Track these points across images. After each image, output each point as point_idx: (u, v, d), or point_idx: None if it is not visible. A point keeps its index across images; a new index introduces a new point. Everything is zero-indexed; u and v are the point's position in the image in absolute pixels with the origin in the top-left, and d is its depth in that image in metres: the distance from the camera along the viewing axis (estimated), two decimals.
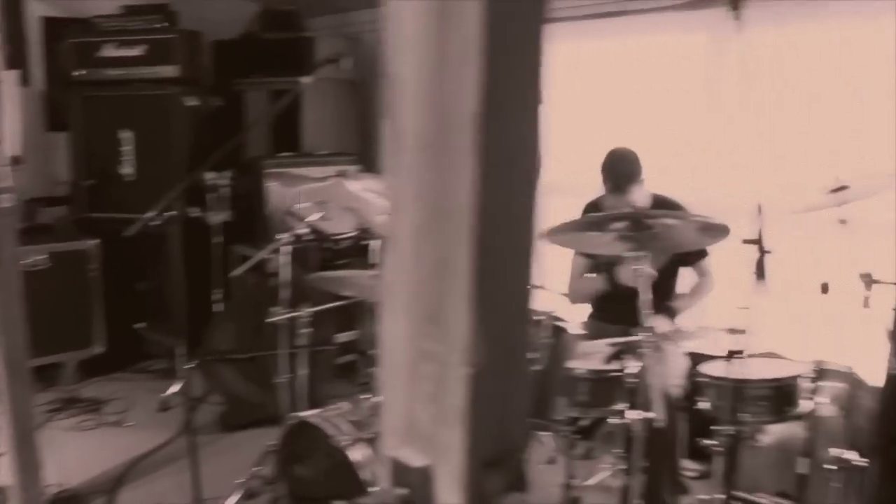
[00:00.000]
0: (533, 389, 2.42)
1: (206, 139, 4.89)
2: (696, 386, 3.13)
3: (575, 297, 3.65)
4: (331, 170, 4.83)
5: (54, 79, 5.29)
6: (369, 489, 2.43)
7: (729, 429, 2.87)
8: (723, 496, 3.69)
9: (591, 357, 2.94)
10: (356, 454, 2.61)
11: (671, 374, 3.21)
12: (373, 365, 3.14)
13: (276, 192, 4.83)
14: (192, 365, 4.31)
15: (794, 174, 3.10)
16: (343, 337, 4.70)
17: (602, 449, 3.51)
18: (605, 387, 2.72)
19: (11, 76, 4.76)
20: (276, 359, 3.58)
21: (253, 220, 4.98)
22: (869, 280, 2.47)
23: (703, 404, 2.97)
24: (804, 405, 2.88)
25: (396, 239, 0.87)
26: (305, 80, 3.31)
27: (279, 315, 3.50)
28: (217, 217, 4.75)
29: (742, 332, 2.72)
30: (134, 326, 5.19)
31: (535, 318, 2.37)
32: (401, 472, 0.92)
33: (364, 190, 3.56)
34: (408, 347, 0.89)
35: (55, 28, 5.24)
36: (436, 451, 0.87)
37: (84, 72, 5.04)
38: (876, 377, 3.12)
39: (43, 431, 3.56)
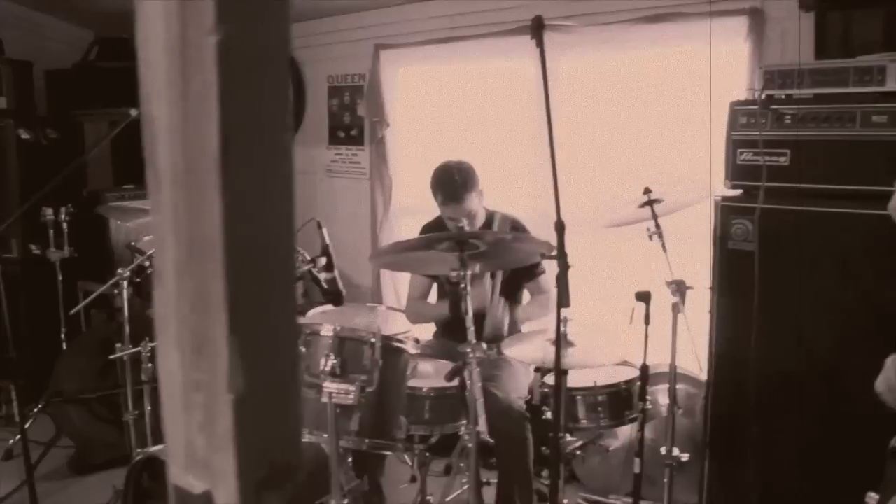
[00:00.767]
0: (371, 410, 2.44)
1: (42, 173, 4.70)
2: (543, 397, 3.26)
3: (414, 318, 3.70)
4: None
5: None
6: None
7: (568, 436, 2.98)
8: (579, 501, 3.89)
9: (432, 375, 3.03)
10: None
11: (517, 388, 3.32)
12: None
13: (118, 225, 4.69)
14: (38, 408, 4.13)
15: (608, 190, 3.28)
16: None
17: (459, 464, 3.59)
18: (448, 403, 2.79)
19: None
20: (124, 396, 3.49)
21: (96, 255, 4.81)
22: (680, 287, 2.63)
23: (547, 414, 3.08)
24: (640, 408, 3.03)
25: (160, 274, 0.90)
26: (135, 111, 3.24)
27: (123, 351, 3.42)
28: (57, 254, 4.57)
29: (570, 343, 2.85)
30: None
31: (367, 339, 2.40)
32: (183, 499, 0.94)
33: None
34: (180, 378, 0.92)
35: None
36: (212, 476, 0.89)
37: None
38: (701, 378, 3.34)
39: None
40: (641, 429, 2.80)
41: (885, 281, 2.65)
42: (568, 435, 2.92)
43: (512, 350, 2.98)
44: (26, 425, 3.36)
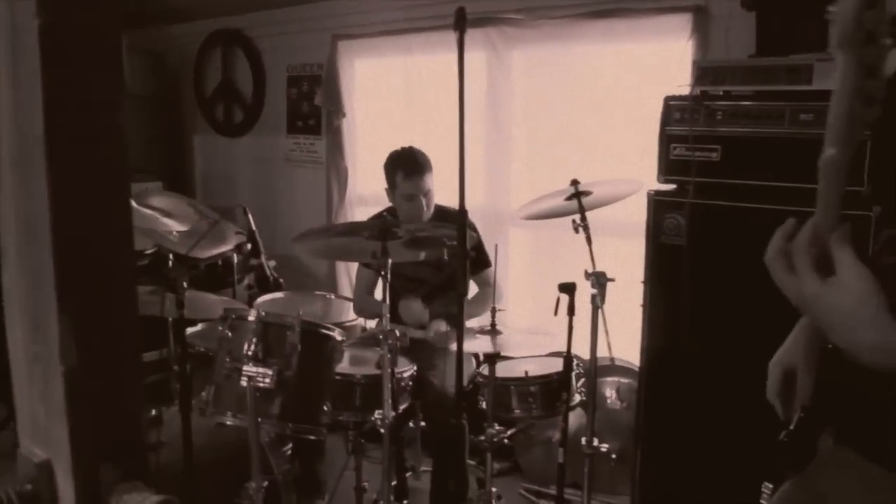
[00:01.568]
0: (294, 395, 2.48)
1: None
2: (477, 386, 3.30)
3: (360, 311, 3.74)
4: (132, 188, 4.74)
5: None
6: None
7: (499, 427, 3.03)
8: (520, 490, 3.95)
9: (370, 363, 3.06)
10: None
11: (462, 383, 3.35)
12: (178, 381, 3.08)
13: None
14: None
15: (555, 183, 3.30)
16: (149, 356, 4.60)
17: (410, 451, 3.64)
18: (380, 390, 2.83)
19: None
20: None
21: None
22: (600, 279, 2.67)
23: (482, 403, 3.12)
24: (564, 398, 3.07)
25: (5, 251, 0.93)
26: None
27: None
28: None
29: (499, 332, 2.90)
30: None
31: (289, 324, 2.43)
32: (27, 468, 0.98)
33: (152, 208, 3.51)
34: (23, 350, 0.95)
35: None
36: (51, 445, 0.93)
37: None
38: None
39: None
40: (565, 419, 2.83)
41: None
42: (496, 424, 2.96)
43: (452, 340, 3.01)
44: None
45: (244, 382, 2.30)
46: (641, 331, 3.06)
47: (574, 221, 2.79)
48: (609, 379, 3.99)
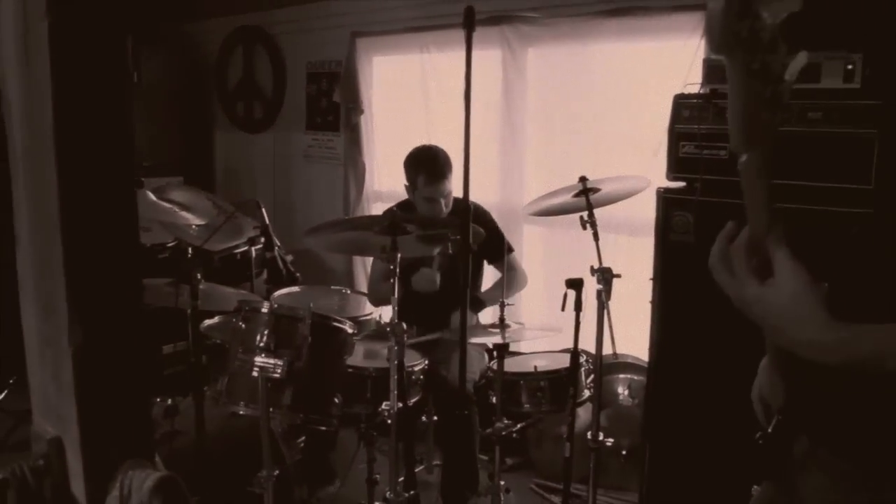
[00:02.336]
0: (306, 386, 2.53)
1: None
2: (488, 380, 3.34)
3: (375, 300, 3.79)
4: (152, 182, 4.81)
5: None
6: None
7: (509, 421, 3.07)
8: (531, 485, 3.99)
9: (377, 355, 3.12)
10: None
11: (468, 371, 3.40)
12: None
13: None
14: None
15: (554, 180, 3.35)
16: (168, 348, 4.68)
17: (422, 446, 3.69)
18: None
19: None
20: None
21: None
22: (605, 275, 2.70)
23: (492, 397, 3.16)
24: (581, 394, 3.10)
25: (19, 238, 0.99)
26: None
27: None
28: None
29: (508, 326, 2.94)
30: None
31: (301, 317, 2.49)
32: (39, 444, 1.03)
33: (172, 202, 3.58)
34: (38, 334, 1.01)
35: None
36: (61, 423, 0.99)
37: None
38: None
39: None
40: (572, 414, 2.87)
41: (817, 274, 2.71)
42: (505, 418, 3.01)
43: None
44: None
45: (256, 373, 2.36)
46: (650, 327, 3.08)
47: (582, 218, 2.83)
48: (621, 376, 4.02)
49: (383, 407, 2.67)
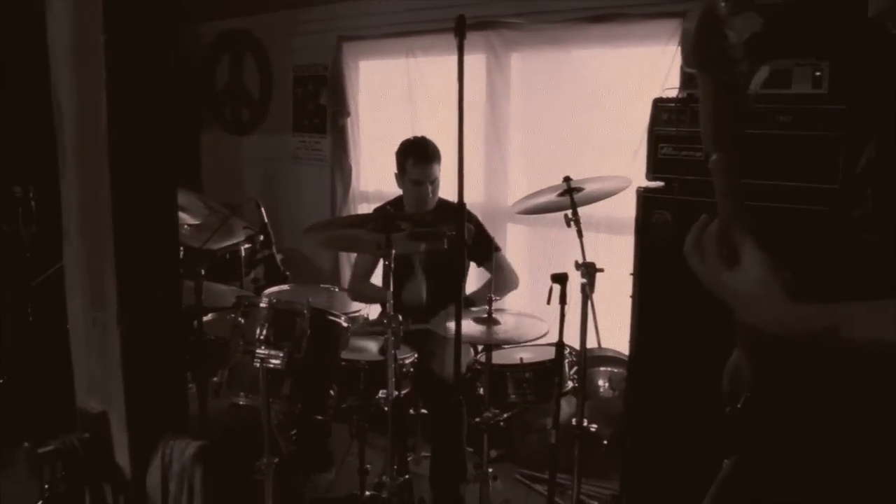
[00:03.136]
0: (304, 378, 2.64)
1: None
2: (476, 372, 3.45)
3: (355, 296, 3.89)
4: None
5: None
6: None
7: (496, 411, 3.18)
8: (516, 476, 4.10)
9: (368, 350, 3.23)
10: None
11: (459, 365, 3.50)
12: None
13: None
14: None
15: (537, 180, 3.48)
16: None
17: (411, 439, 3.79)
18: (383, 376, 2.98)
19: None
20: None
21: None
22: (589, 269, 2.82)
23: (479, 388, 3.27)
24: (566, 385, 3.22)
25: (67, 232, 1.10)
26: None
27: None
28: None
29: (495, 322, 3.06)
30: None
31: (299, 310, 2.60)
32: (85, 419, 1.14)
33: None
34: (84, 318, 1.12)
35: None
36: (107, 399, 1.10)
37: None
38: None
39: None
40: (557, 403, 2.99)
41: (782, 262, 2.84)
42: (492, 407, 3.12)
43: (451, 328, 3.16)
44: None
45: (257, 363, 2.46)
46: (630, 321, 3.20)
47: (566, 216, 2.95)
48: (602, 368, 4.14)
49: (380, 395, 2.78)
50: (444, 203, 3.75)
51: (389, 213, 2.67)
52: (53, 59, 0.98)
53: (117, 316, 1.02)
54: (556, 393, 2.97)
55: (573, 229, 2.98)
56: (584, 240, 3.06)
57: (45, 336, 4.39)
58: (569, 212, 2.95)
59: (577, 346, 3.04)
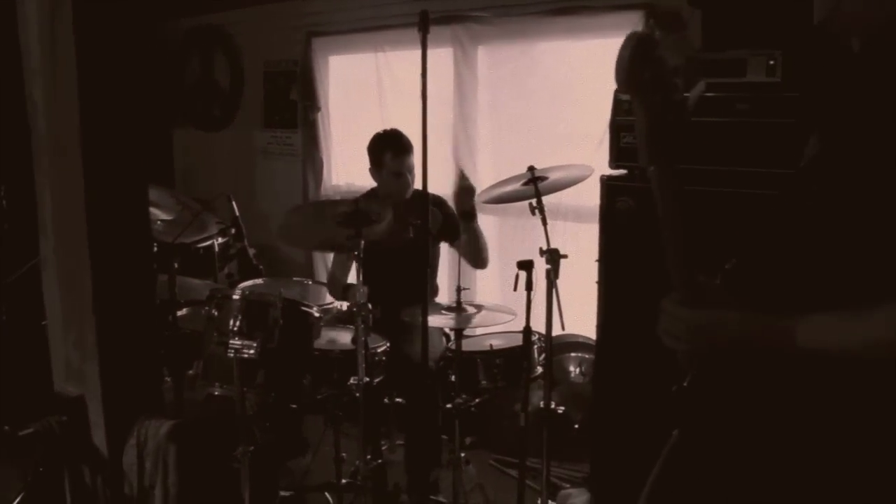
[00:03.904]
0: (277, 367, 2.70)
1: None
2: (448, 360, 3.52)
3: (334, 290, 3.95)
4: None
5: None
6: None
7: (466, 397, 3.25)
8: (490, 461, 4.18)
9: (340, 340, 3.29)
10: None
11: (427, 350, 3.57)
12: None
13: None
14: None
15: (505, 171, 3.55)
16: None
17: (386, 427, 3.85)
18: (355, 365, 3.04)
19: None
20: None
21: None
22: (553, 256, 2.90)
23: (451, 376, 3.34)
24: (535, 371, 3.30)
25: (43, 225, 1.15)
26: None
27: None
28: None
29: (464, 310, 3.13)
30: None
31: (271, 301, 2.65)
32: (62, 402, 1.20)
33: None
34: (59, 305, 1.18)
35: None
36: (84, 383, 1.16)
37: None
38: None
39: None
40: (526, 387, 3.06)
41: (734, 250, 2.93)
42: (464, 394, 3.20)
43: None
44: None
45: (231, 354, 2.52)
46: (597, 307, 3.28)
47: (531, 204, 3.02)
48: (573, 354, 4.23)
49: (351, 381, 2.84)
50: (414, 192, 3.81)
51: (361, 200, 2.72)
52: (24, 57, 1.03)
53: (93, 305, 1.08)
54: (525, 378, 3.05)
55: (538, 217, 3.05)
56: (553, 228, 3.13)
57: (18, 334, 4.45)
58: (533, 200, 3.02)
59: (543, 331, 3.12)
